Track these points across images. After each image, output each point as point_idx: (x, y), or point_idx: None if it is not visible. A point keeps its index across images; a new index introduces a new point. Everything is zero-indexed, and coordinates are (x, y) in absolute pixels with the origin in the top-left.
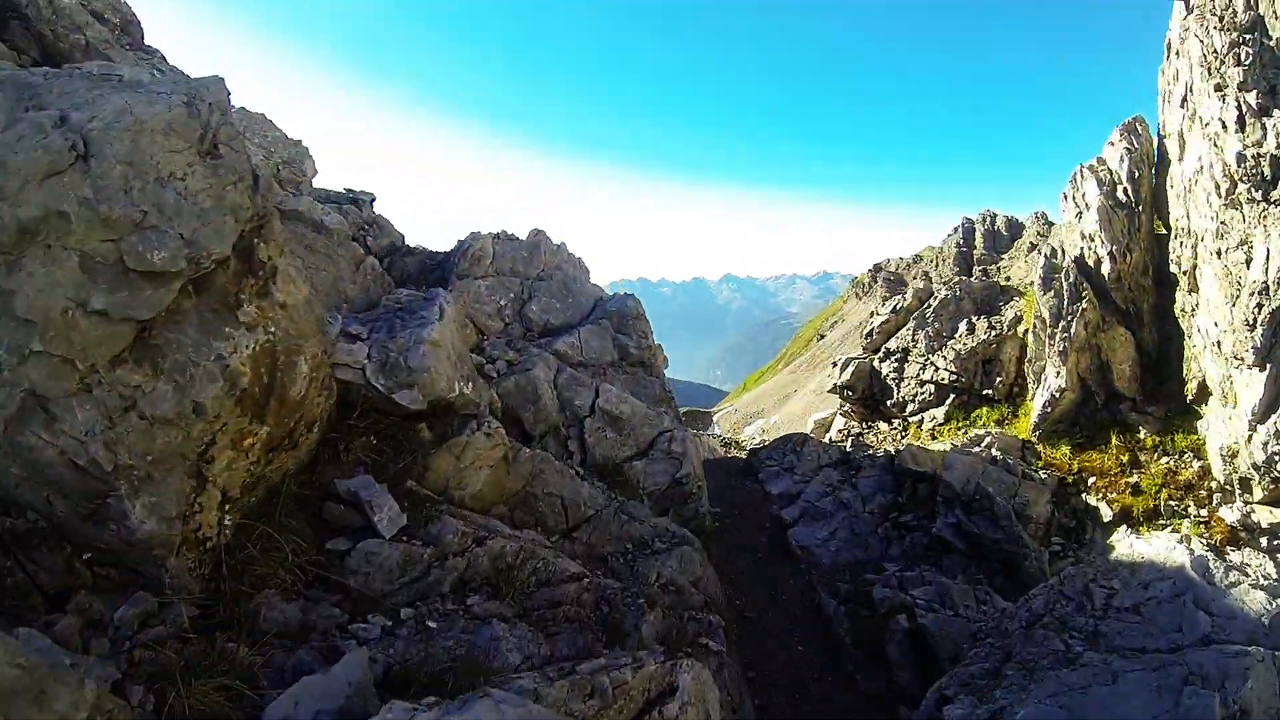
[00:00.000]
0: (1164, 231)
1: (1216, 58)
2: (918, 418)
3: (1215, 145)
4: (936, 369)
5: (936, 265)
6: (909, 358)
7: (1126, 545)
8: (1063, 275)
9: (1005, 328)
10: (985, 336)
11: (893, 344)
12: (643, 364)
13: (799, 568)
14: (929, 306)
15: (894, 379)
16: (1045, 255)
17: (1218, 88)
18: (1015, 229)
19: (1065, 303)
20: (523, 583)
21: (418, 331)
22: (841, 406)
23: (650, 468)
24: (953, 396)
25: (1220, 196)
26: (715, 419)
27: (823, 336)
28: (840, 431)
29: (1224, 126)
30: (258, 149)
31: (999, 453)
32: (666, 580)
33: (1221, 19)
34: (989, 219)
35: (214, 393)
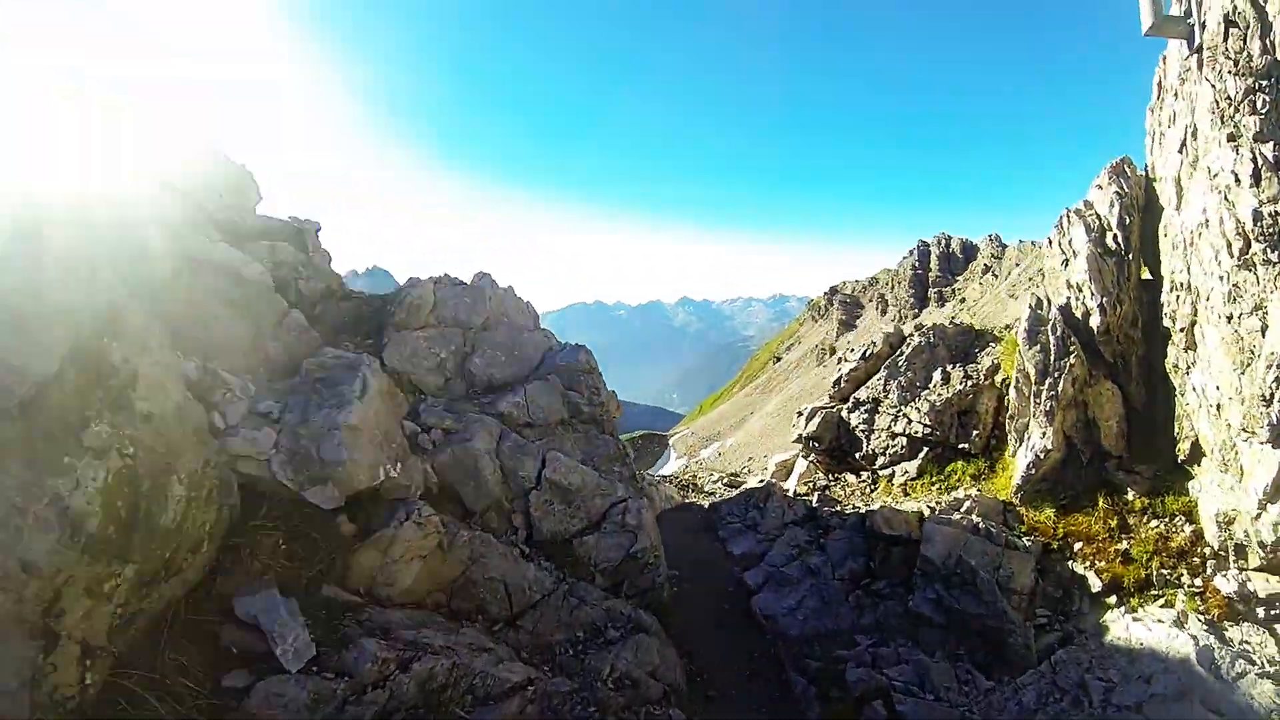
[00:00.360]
0: (1148, 278)
1: (1230, 104)
2: (888, 471)
3: (1226, 199)
4: (909, 421)
5: (892, 288)
6: (880, 408)
7: (1122, 628)
8: (1049, 328)
9: (982, 377)
10: (961, 387)
11: (862, 393)
12: (595, 421)
13: (765, 638)
14: (901, 354)
15: (864, 430)
16: (1030, 306)
17: (1230, 137)
18: (970, 251)
19: (1052, 358)
20: (457, 703)
21: (333, 414)
22: (806, 454)
23: (602, 542)
24: (926, 450)
25: (1232, 256)
26: (672, 443)
27: (779, 359)
28: (805, 482)
29: (1237, 180)
30: (198, 173)
31: (980, 518)
32: (621, 674)
33: (1236, 62)
34: (944, 242)
35: (49, 545)
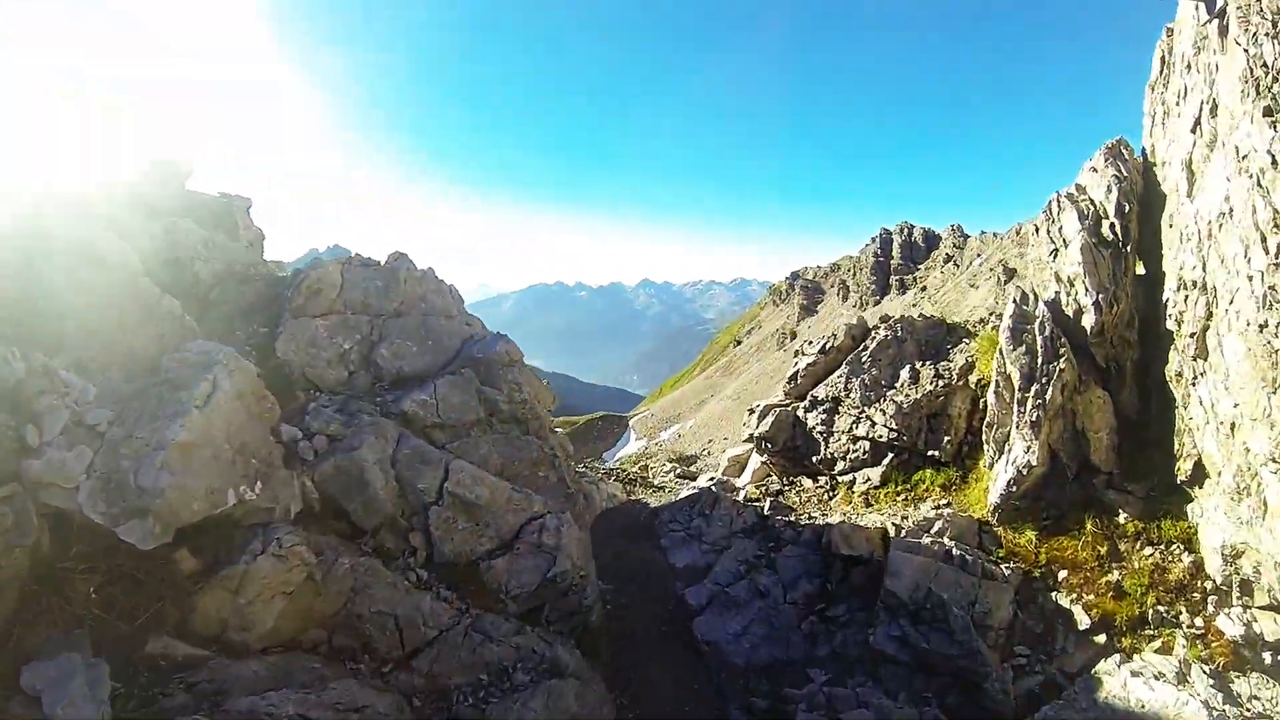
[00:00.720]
0: (1142, 273)
1: (1267, 72)
2: (849, 478)
3: (1259, 185)
4: (873, 424)
5: (854, 274)
6: (840, 409)
7: (1119, 684)
8: (1036, 327)
9: (954, 376)
10: (931, 387)
11: (821, 391)
12: (517, 420)
13: (706, 667)
14: (865, 349)
15: (822, 433)
16: (1014, 300)
17: (1267, 111)
18: (932, 240)
19: (1040, 361)
20: None
21: (162, 429)
22: (760, 452)
23: (515, 565)
24: (891, 455)
25: (1267, 252)
26: (632, 424)
27: (739, 342)
28: (758, 484)
29: (1274, 161)
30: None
31: (952, 541)
32: None
33: (1275, 24)
34: (906, 230)
35: None
